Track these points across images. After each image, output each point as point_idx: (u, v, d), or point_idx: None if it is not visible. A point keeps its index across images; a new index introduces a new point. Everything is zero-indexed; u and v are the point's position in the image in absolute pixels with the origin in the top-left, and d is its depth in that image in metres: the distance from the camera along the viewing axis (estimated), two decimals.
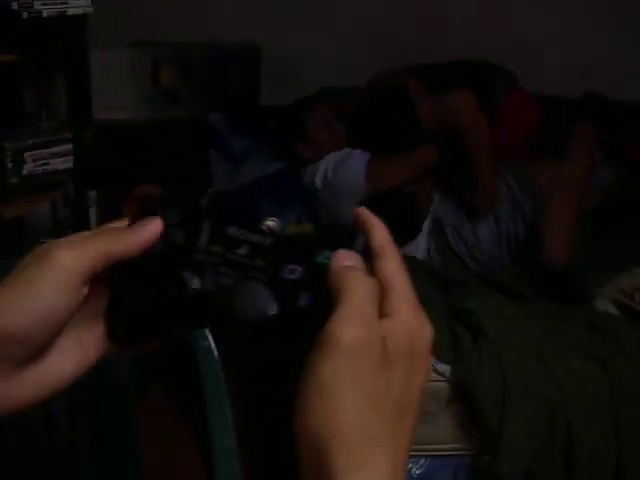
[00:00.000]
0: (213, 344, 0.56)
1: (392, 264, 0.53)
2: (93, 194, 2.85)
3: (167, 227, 0.55)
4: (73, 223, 2.73)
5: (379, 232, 0.55)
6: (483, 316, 2.03)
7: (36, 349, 0.51)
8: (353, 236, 0.55)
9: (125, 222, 0.55)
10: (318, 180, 2.75)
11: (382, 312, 0.51)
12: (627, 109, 3.26)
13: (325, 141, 2.87)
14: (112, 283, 0.55)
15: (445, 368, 1.95)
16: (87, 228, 2.75)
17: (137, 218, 0.55)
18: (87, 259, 0.51)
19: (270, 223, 0.56)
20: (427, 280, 2.24)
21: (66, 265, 0.50)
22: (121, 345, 0.57)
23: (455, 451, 2.02)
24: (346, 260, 0.53)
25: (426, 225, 2.70)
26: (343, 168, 2.73)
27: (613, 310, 2.26)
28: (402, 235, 2.64)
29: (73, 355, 0.55)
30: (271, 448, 2.18)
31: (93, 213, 2.85)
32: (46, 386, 0.53)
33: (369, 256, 0.54)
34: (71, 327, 0.54)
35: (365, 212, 0.57)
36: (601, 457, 1.94)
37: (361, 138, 2.84)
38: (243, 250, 0.54)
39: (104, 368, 0.54)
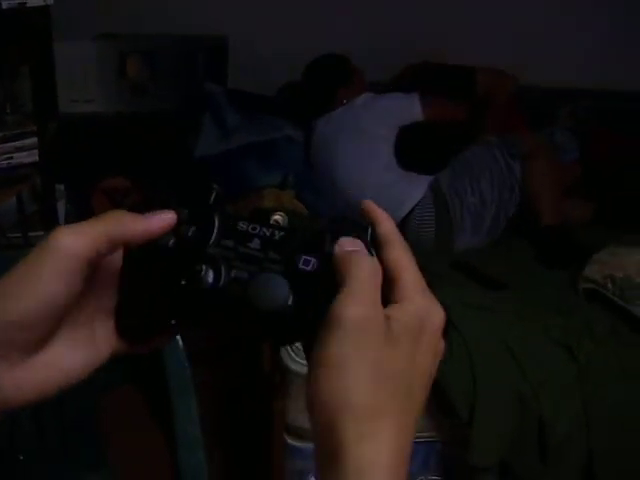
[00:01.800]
0: (178, 334, 0.56)
1: (399, 251, 0.56)
2: (61, 188, 2.82)
3: (179, 223, 0.55)
4: (41, 217, 2.71)
5: (385, 223, 0.57)
6: (453, 308, 2.03)
7: (40, 335, 0.51)
8: (362, 227, 0.56)
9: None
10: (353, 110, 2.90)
11: (392, 299, 0.53)
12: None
13: (365, 89, 3.01)
14: (123, 278, 0.55)
15: None
16: (55, 222, 2.72)
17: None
18: (88, 241, 0.50)
19: (278, 217, 0.57)
20: None
21: (66, 247, 0.49)
22: (132, 341, 0.56)
23: (426, 439, 2.03)
24: (349, 245, 0.54)
25: (424, 185, 2.77)
26: (390, 97, 2.93)
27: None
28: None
29: (84, 349, 0.54)
30: (241, 435, 2.19)
31: (61, 207, 2.82)
32: (54, 377, 0.53)
33: (377, 247, 0.56)
34: (84, 321, 0.54)
35: (371, 204, 0.59)
36: (572, 444, 1.96)
37: None
38: (255, 244, 0.55)
39: None
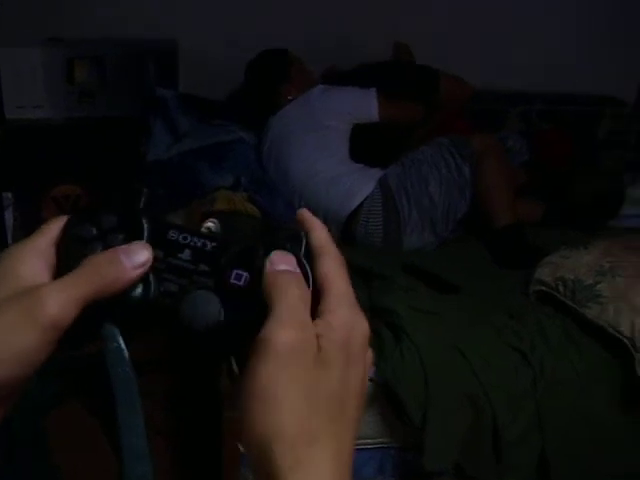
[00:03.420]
0: (123, 344, 0.55)
1: (331, 263, 0.55)
2: (9, 196, 2.78)
3: (105, 232, 0.53)
4: None
5: (319, 233, 0.57)
6: (404, 314, 2.03)
7: (8, 391, 0.50)
8: (298, 238, 0.55)
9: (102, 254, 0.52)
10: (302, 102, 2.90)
11: (319, 311, 0.52)
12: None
13: (309, 79, 3.02)
14: None
15: None
16: (3, 231, 2.68)
17: (76, 222, 0.54)
18: (74, 307, 0.49)
19: (210, 224, 0.56)
20: (351, 276, 2.25)
21: (52, 319, 0.48)
22: (62, 347, 0.55)
23: (381, 444, 2.03)
24: (278, 263, 0.53)
25: (374, 180, 2.78)
26: (347, 91, 2.93)
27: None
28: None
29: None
30: (195, 444, 2.17)
31: (9, 215, 2.79)
32: None
33: (311, 257, 0.55)
34: None
35: (306, 213, 0.58)
36: (526, 445, 1.97)
37: None
38: (186, 255, 0.54)
39: None
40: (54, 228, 0.55)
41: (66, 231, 0.54)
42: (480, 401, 1.94)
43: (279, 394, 0.49)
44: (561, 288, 2.20)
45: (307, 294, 0.52)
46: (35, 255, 0.53)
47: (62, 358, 0.54)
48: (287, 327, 0.50)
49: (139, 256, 0.52)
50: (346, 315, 0.53)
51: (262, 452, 0.48)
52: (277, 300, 0.51)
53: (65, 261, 0.53)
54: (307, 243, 0.55)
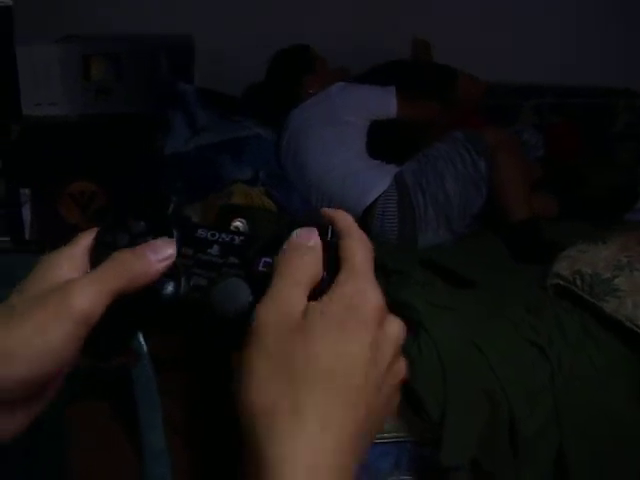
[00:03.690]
0: (143, 342, 0.55)
1: (351, 243, 0.55)
2: (26, 192, 2.80)
3: (135, 236, 0.54)
4: (5, 222, 2.68)
5: (343, 217, 0.57)
6: (422, 308, 2.03)
7: (35, 391, 0.51)
8: (323, 227, 0.56)
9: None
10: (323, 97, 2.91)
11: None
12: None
13: (331, 75, 3.01)
14: None
15: None
16: (21, 227, 2.70)
17: (107, 230, 0.55)
18: (103, 301, 0.50)
19: (238, 224, 0.57)
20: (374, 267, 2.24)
21: (83, 314, 0.49)
22: (96, 360, 0.56)
23: (397, 439, 2.03)
24: (305, 235, 0.54)
25: (390, 176, 2.77)
26: (367, 89, 2.95)
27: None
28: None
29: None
30: (214, 443, 2.17)
31: (27, 211, 2.80)
32: None
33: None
34: None
35: (328, 210, 0.59)
36: (544, 440, 1.96)
37: None
38: (214, 250, 0.55)
39: None
40: (87, 237, 0.56)
41: (97, 239, 0.55)
42: (497, 396, 1.93)
43: (254, 367, 0.49)
44: (579, 282, 2.19)
45: (310, 268, 0.53)
46: (70, 263, 0.54)
47: (90, 368, 0.55)
48: (265, 303, 0.51)
49: (164, 250, 0.53)
50: (351, 288, 0.52)
51: (247, 425, 0.49)
52: (274, 279, 0.52)
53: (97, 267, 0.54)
54: (333, 231, 0.56)
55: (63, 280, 0.52)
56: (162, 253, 0.53)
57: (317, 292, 0.52)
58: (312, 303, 0.51)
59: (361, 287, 0.53)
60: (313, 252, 0.53)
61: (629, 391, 2.01)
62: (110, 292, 0.50)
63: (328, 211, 0.58)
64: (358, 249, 0.55)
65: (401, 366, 0.55)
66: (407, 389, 1.93)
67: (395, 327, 0.54)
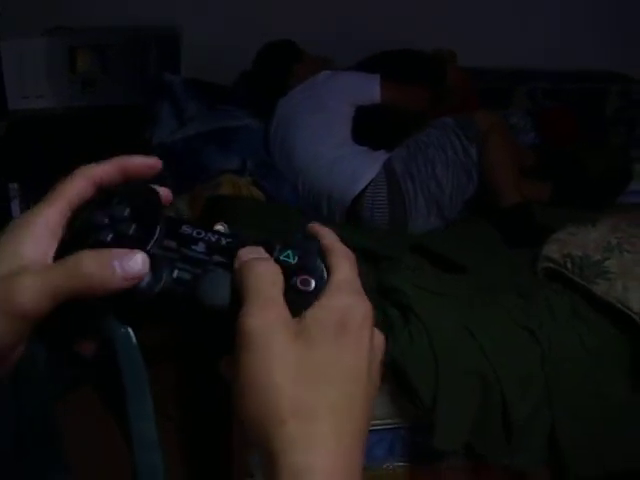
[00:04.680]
0: (131, 331, 0.55)
1: (337, 256, 0.56)
2: (14, 186, 2.79)
3: (117, 221, 0.53)
4: None
5: (328, 234, 0.58)
6: (412, 293, 2.03)
7: None
8: (313, 238, 0.57)
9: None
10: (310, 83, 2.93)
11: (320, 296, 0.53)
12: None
13: (319, 64, 3.03)
14: None
15: None
16: (9, 221, 2.69)
17: (89, 207, 0.54)
18: (51, 301, 0.49)
19: (219, 227, 0.56)
20: (358, 257, 2.24)
21: (24, 310, 0.48)
22: (52, 346, 0.55)
23: (391, 425, 2.04)
24: (247, 254, 0.53)
25: (378, 164, 2.77)
26: (351, 74, 2.99)
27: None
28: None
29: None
30: (205, 430, 2.18)
31: (16, 206, 2.79)
32: None
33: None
34: None
35: (315, 225, 0.59)
36: (536, 422, 1.97)
37: None
38: (200, 248, 0.54)
39: (21, 368, 0.52)
40: (66, 193, 0.54)
41: (78, 214, 0.54)
42: (489, 380, 1.94)
43: (259, 377, 0.49)
44: (569, 265, 2.19)
45: (275, 274, 0.52)
46: (42, 231, 0.52)
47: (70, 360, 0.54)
48: (254, 312, 0.50)
49: (134, 265, 0.50)
50: (343, 298, 0.53)
51: (259, 434, 0.49)
52: (245, 287, 0.51)
53: (70, 243, 0.53)
54: (320, 245, 0.56)
55: (30, 254, 0.50)
56: (131, 268, 0.50)
57: (302, 303, 0.52)
58: (308, 312, 0.52)
59: (354, 299, 0.53)
60: (267, 260, 0.53)
61: (620, 372, 2.02)
62: (58, 295, 0.49)
63: (316, 228, 0.59)
64: (344, 261, 0.56)
65: (380, 371, 0.56)
66: (399, 374, 1.94)
67: (380, 336, 0.56)
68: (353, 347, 0.51)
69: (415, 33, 3.23)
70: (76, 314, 0.52)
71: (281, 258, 0.54)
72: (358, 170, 2.74)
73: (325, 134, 2.81)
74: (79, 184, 0.55)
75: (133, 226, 0.53)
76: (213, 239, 0.55)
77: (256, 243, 0.55)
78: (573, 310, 2.10)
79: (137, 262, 0.50)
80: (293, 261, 0.54)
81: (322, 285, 0.53)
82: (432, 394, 1.92)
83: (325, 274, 0.54)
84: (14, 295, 0.48)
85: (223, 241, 0.55)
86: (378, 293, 2.04)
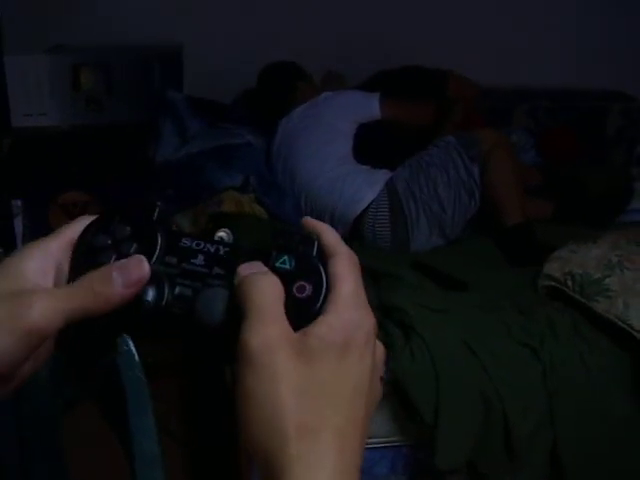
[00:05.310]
0: (134, 348, 0.56)
1: (341, 263, 0.54)
2: (18, 203, 2.79)
3: (118, 241, 0.54)
4: None
5: (329, 234, 0.56)
6: (413, 311, 2.03)
7: None
8: (310, 240, 0.56)
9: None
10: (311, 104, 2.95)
11: (325, 310, 0.52)
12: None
13: (324, 83, 3.12)
14: None
15: None
16: (12, 238, 2.69)
17: (91, 231, 0.55)
18: (63, 319, 0.50)
19: (222, 234, 0.57)
20: (362, 276, 2.24)
21: (37, 327, 0.49)
22: (75, 360, 0.56)
23: (392, 443, 2.03)
24: (247, 269, 0.53)
25: (380, 184, 2.77)
26: (351, 93, 3.01)
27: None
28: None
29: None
30: (208, 447, 2.17)
31: (19, 223, 2.80)
32: None
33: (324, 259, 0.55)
34: None
35: (310, 220, 0.58)
36: (538, 440, 1.97)
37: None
38: (199, 260, 0.54)
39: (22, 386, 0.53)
40: (68, 232, 0.55)
41: (81, 239, 0.55)
42: (491, 398, 1.94)
43: (261, 395, 0.49)
44: (570, 283, 2.19)
45: (277, 291, 0.52)
46: (43, 256, 0.53)
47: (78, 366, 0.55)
48: (257, 330, 0.50)
49: (133, 273, 0.52)
50: (351, 316, 0.52)
51: (262, 451, 0.49)
52: (247, 303, 0.51)
53: (76, 268, 0.54)
54: (319, 245, 0.56)
55: (32, 276, 0.52)
56: (130, 277, 0.51)
57: (304, 315, 0.52)
58: (311, 329, 0.51)
59: (360, 314, 0.53)
60: (266, 275, 0.53)
61: (621, 390, 2.01)
62: (69, 312, 0.50)
63: (312, 224, 0.58)
64: (349, 270, 0.54)
65: (380, 383, 0.56)
66: (400, 392, 1.93)
67: (381, 349, 0.56)
68: (357, 365, 0.52)
69: (416, 51, 3.23)
70: (93, 333, 0.53)
71: (278, 265, 0.54)
72: (360, 190, 2.74)
73: (327, 152, 2.81)
74: (81, 228, 0.56)
75: (134, 245, 0.54)
76: (212, 250, 0.55)
77: (253, 252, 0.55)
78: (574, 328, 2.10)
79: (135, 267, 0.52)
80: (290, 267, 0.54)
81: (321, 290, 0.53)
82: (434, 412, 1.91)
83: (324, 277, 0.54)
84: (30, 313, 0.49)
85: (221, 251, 0.55)
86: (379, 311, 2.04)
